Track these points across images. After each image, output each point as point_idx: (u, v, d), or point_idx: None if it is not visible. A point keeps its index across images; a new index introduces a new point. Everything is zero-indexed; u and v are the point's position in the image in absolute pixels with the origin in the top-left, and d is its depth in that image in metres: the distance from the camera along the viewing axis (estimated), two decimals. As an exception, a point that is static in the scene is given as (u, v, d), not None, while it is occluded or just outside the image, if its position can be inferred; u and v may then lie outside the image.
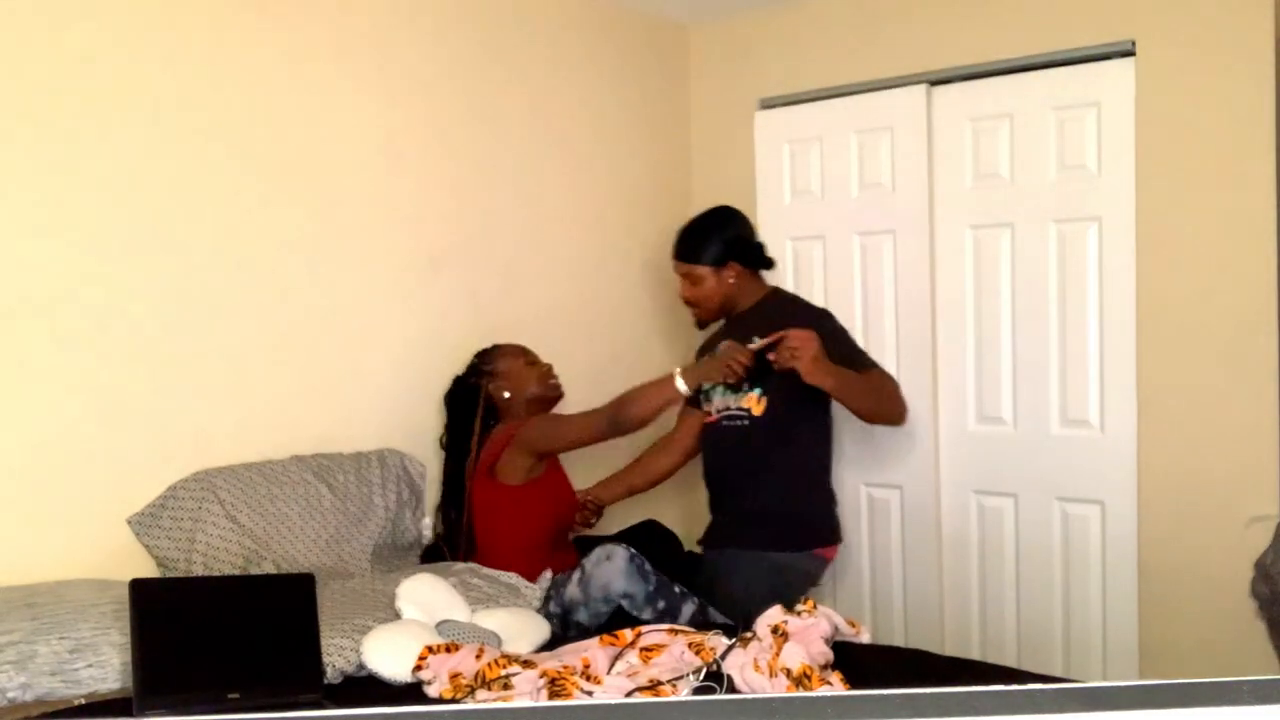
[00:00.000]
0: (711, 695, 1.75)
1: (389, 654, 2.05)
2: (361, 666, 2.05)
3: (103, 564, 2.23)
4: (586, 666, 1.95)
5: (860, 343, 2.97)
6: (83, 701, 1.87)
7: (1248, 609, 2.52)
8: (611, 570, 2.35)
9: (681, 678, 1.89)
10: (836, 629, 2.11)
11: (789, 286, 3.66)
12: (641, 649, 2.03)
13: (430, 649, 2.02)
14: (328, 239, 2.73)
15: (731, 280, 2.82)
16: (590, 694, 1.84)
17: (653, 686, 1.86)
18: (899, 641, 3.32)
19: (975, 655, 3.22)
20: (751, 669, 1.87)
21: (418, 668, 2.00)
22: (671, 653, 2.01)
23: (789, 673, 1.84)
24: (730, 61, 3.78)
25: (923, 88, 3.34)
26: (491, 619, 2.27)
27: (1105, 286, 3.08)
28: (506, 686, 1.87)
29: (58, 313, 2.23)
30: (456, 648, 2.03)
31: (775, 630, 1.97)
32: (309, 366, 2.69)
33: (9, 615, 1.92)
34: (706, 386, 2.84)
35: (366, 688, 2.02)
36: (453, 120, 3.04)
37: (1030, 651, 3.26)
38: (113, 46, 2.32)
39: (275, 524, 2.43)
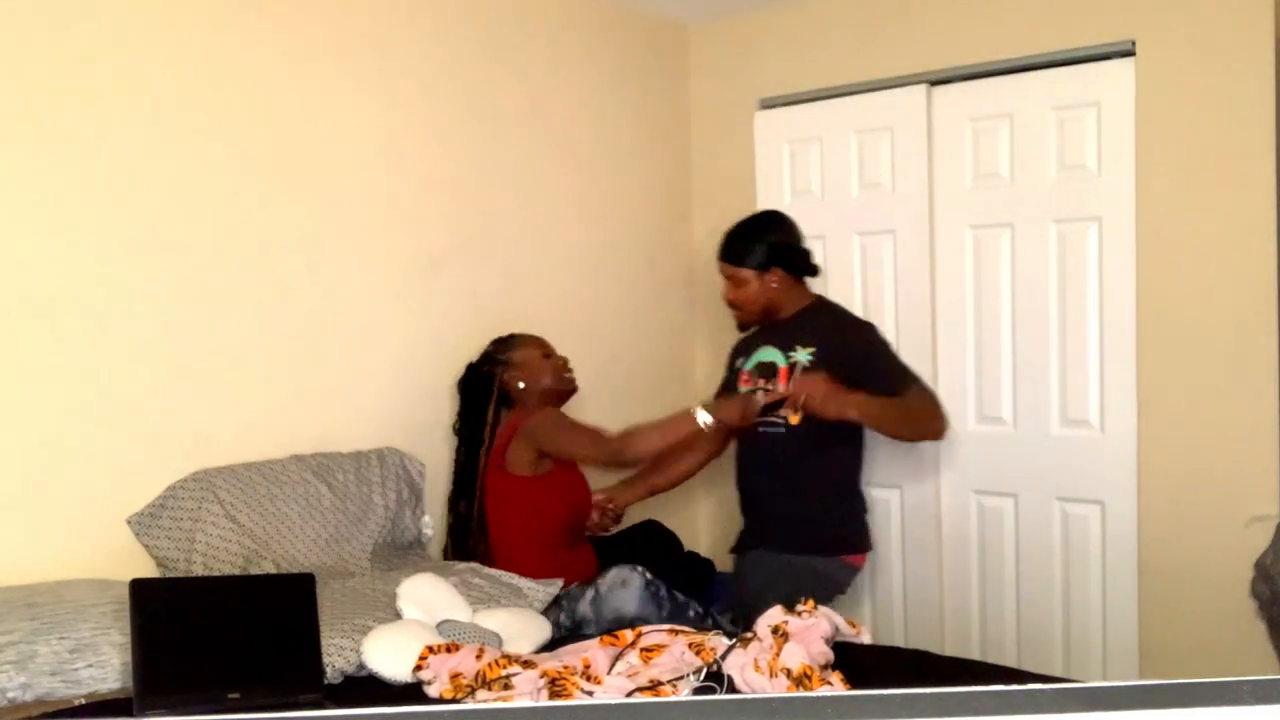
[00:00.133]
0: (712, 695, 1.75)
1: (389, 654, 2.05)
2: (362, 666, 2.04)
3: (103, 564, 2.23)
4: (587, 667, 1.95)
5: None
6: (83, 701, 1.87)
7: (1248, 609, 2.52)
8: (626, 596, 2.35)
9: (682, 678, 1.89)
10: (837, 629, 2.11)
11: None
12: (642, 649, 2.03)
13: (431, 649, 2.02)
14: (328, 239, 2.73)
15: (775, 285, 2.80)
16: (590, 694, 1.84)
17: (653, 686, 1.86)
18: (899, 641, 3.32)
19: (975, 655, 3.22)
20: (752, 669, 1.87)
21: (418, 668, 2.00)
22: (672, 653, 2.01)
23: (789, 673, 1.84)
24: (730, 61, 3.78)
25: (923, 88, 3.34)
26: (492, 619, 2.27)
27: (1105, 286, 3.08)
28: (507, 687, 1.87)
29: (58, 313, 2.23)
30: (457, 648, 2.03)
31: (775, 630, 1.97)
32: (309, 366, 2.69)
33: (9, 615, 1.92)
34: (743, 390, 2.84)
35: (367, 688, 2.02)
36: (453, 120, 3.04)
37: (1030, 651, 3.26)
38: (113, 46, 2.31)
39: (275, 523, 2.43)
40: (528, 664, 1.97)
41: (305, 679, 1.93)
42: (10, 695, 1.81)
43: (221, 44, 2.50)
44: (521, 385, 2.85)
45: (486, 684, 1.89)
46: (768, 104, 3.71)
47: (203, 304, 2.46)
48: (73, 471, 2.25)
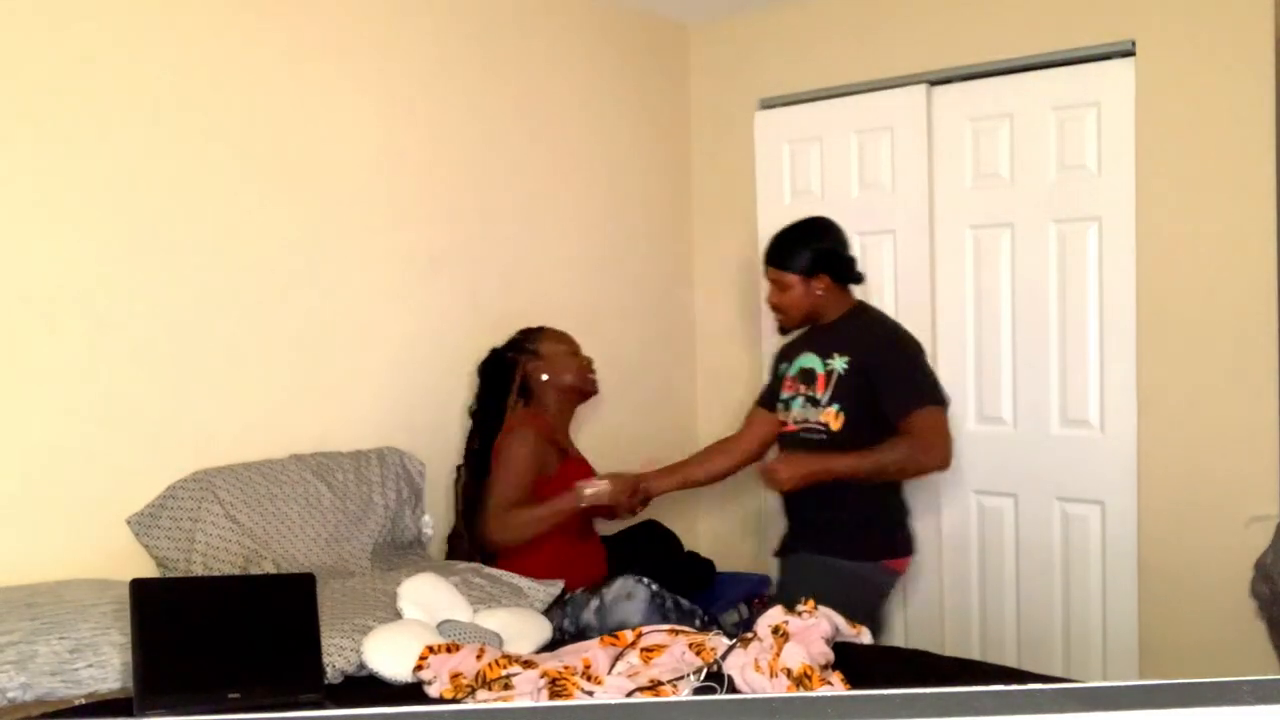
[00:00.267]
0: (712, 695, 1.75)
1: (390, 654, 2.05)
2: (362, 666, 2.04)
3: (103, 564, 2.23)
4: (587, 667, 1.95)
5: None
6: (83, 701, 1.87)
7: (1248, 609, 2.53)
8: (631, 609, 2.35)
9: (682, 678, 1.89)
10: (837, 629, 2.11)
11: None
12: (642, 649, 2.03)
13: (431, 649, 2.02)
14: (328, 239, 2.73)
15: (820, 291, 2.76)
16: (591, 694, 1.84)
17: (653, 687, 1.86)
18: (899, 641, 3.32)
19: (975, 655, 3.22)
20: (752, 669, 1.87)
21: (418, 667, 2.00)
22: (672, 653, 2.01)
23: (789, 673, 1.84)
24: (730, 61, 3.78)
25: (923, 88, 3.34)
26: (493, 619, 2.27)
27: (1105, 286, 3.08)
28: (507, 686, 1.87)
29: (58, 313, 2.23)
30: (457, 648, 2.03)
31: (776, 630, 1.97)
32: (308, 366, 2.69)
33: (9, 615, 1.92)
34: (785, 396, 2.83)
35: (367, 688, 2.02)
36: (452, 120, 3.04)
37: (1030, 651, 3.26)
38: (113, 46, 2.31)
39: (275, 523, 2.43)
40: (528, 664, 1.97)
41: (305, 679, 1.93)
42: (10, 695, 1.81)
43: (221, 44, 2.50)
44: (544, 378, 2.85)
45: (487, 684, 1.89)
46: (768, 104, 3.72)
47: (203, 304, 2.46)
48: (73, 471, 2.25)
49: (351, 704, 1.89)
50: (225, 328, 2.51)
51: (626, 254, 3.63)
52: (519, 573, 2.54)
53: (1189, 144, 2.92)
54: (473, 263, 3.09)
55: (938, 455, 2.65)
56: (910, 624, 3.45)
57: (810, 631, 1.99)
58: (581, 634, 2.37)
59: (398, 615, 2.19)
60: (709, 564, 3.42)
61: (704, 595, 3.20)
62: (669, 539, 3.33)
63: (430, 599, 2.25)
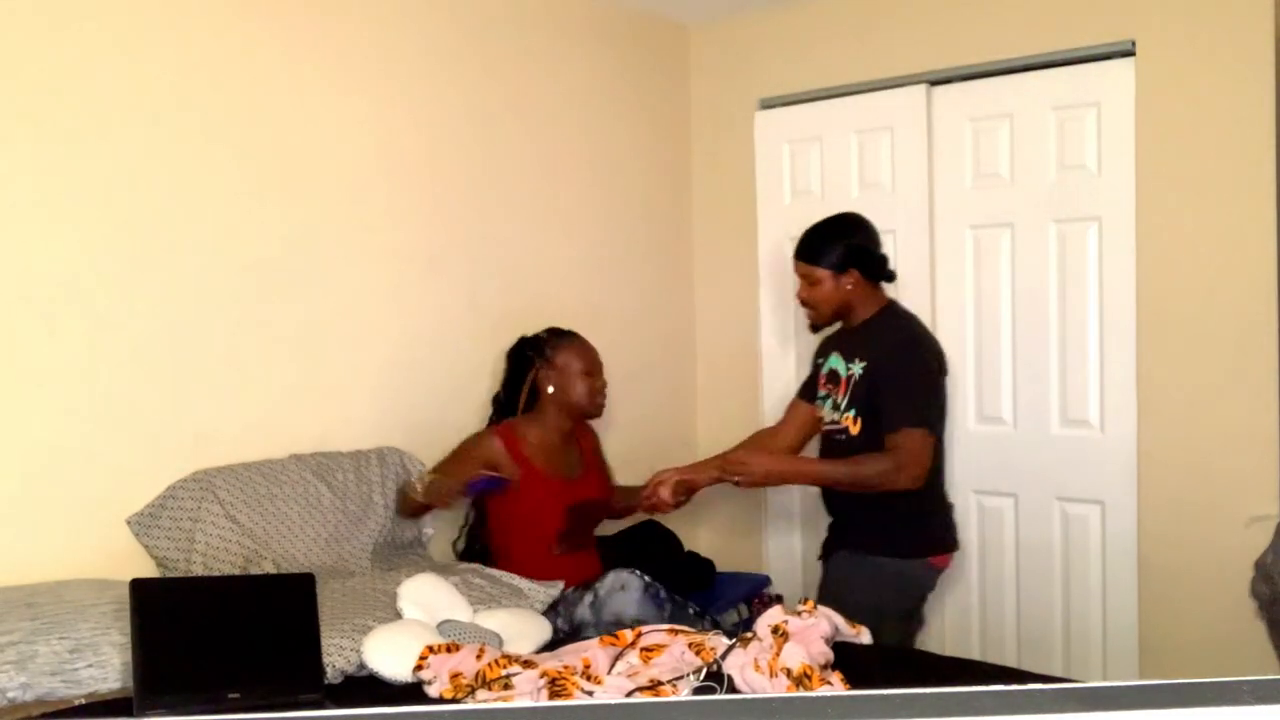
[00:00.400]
0: (712, 695, 1.75)
1: (390, 654, 2.05)
2: (362, 666, 2.04)
3: (103, 564, 2.23)
4: (587, 667, 1.95)
5: None
6: (83, 701, 1.87)
7: (1248, 609, 2.53)
8: (625, 600, 2.35)
9: (682, 678, 1.89)
10: (837, 629, 2.11)
11: (788, 288, 3.66)
12: (642, 649, 2.03)
13: (431, 649, 2.02)
14: (328, 239, 2.73)
15: (850, 287, 2.73)
16: (591, 694, 1.84)
17: (653, 686, 1.86)
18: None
19: (975, 655, 3.22)
20: (752, 669, 1.87)
21: (418, 667, 2.00)
22: (672, 653, 2.01)
23: (789, 673, 1.84)
24: (730, 61, 3.78)
25: (923, 88, 3.34)
26: (493, 619, 2.27)
27: (1105, 286, 3.08)
28: (507, 686, 1.87)
29: (58, 313, 2.23)
30: (457, 648, 2.03)
31: (775, 630, 1.97)
32: (308, 366, 2.69)
33: (9, 615, 1.92)
34: (821, 394, 2.82)
35: (367, 688, 2.02)
36: (452, 120, 3.04)
37: (1030, 651, 3.26)
38: (113, 46, 2.31)
39: (275, 523, 2.43)
40: (528, 664, 1.98)
41: (305, 679, 1.93)
42: (10, 695, 1.81)
43: (221, 45, 2.50)
44: (550, 390, 2.84)
45: (486, 684, 1.89)
46: (768, 104, 3.72)
47: (203, 304, 2.46)
48: (73, 471, 2.25)
49: (351, 704, 1.89)
50: (225, 328, 2.51)
51: (626, 254, 3.63)
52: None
53: (1189, 144, 2.92)
54: (472, 263, 3.09)
55: (908, 477, 2.59)
56: (910, 624, 3.44)
57: (810, 631, 1.99)
58: (577, 630, 2.38)
59: (398, 615, 2.19)
60: (709, 564, 3.42)
61: (704, 595, 3.21)
62: (669, 539, 3.33)
63: (430, 599, 2.25)
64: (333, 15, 2.73)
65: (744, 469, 2.69)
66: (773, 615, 2.03)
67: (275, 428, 2.60)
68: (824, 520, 2.93)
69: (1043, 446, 3.22)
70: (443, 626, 2.19)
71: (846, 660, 2.00)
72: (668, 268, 3.82)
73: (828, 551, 2.85)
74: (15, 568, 2.12)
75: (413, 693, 1.98)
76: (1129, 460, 3.06)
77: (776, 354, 3.74)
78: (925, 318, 3.34)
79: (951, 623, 3.39)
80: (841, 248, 2.74)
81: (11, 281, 2.16)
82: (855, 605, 2.63)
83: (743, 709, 0.62)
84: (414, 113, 2.94)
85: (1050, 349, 3.19)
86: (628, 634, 2.09)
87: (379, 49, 2.85)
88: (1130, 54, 3.00)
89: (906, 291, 3.40)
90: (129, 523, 2.33)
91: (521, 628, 2.27)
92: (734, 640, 2.01)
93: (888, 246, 3.42)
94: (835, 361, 2.79)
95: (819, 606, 2.14)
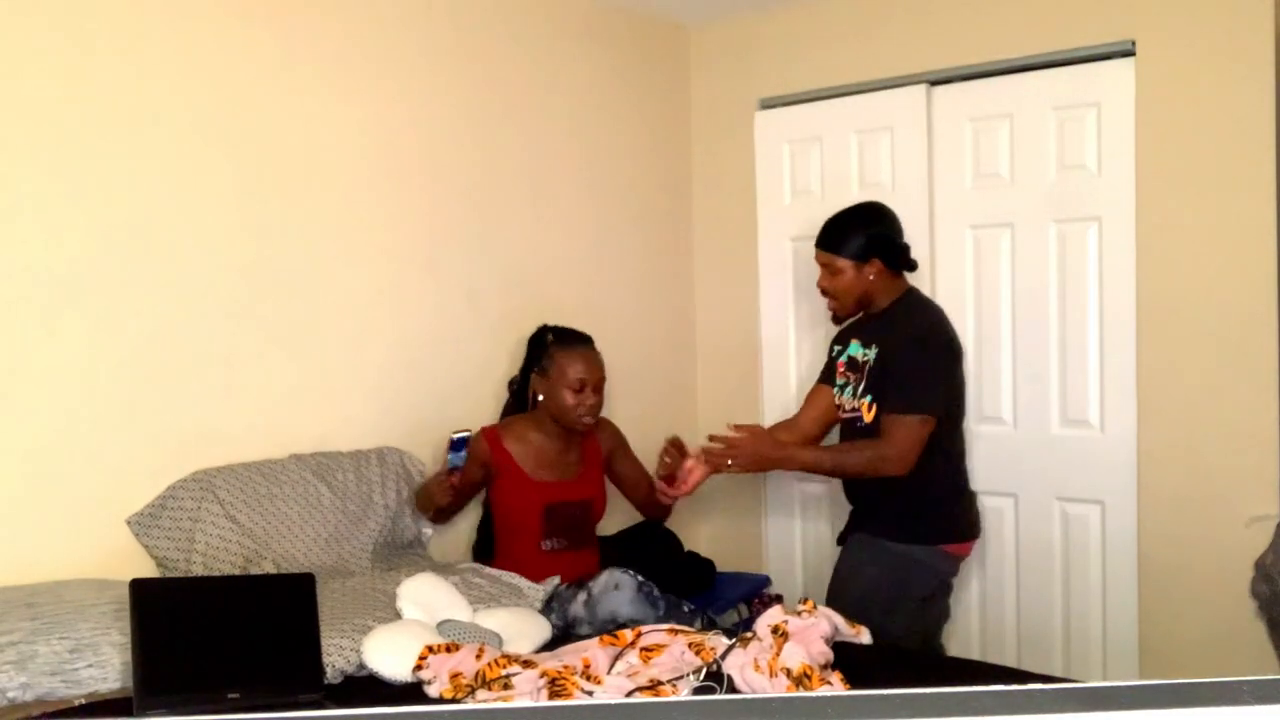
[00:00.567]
0: (711, 695, 1.75)
1: (389, 654, 2.05)
2: (362, 666, 2.05)
3: (103, 564, 2.23)
4: (587, 666, 1.95)
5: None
6: (83, 701, 1.87)
7: (1248, 609, 2.53)
8: (619, 599, 2.35)
9: (682, 678, 1.89)
10: (837, 629, 2.11)
11: (788, 288, 3.67)
12: (642, 649, 2.03)
13: (431, 649, 2.02)
14: (327, 239, 2.73)
15: (871, 277, 2.73)
16: (590, 694, 1.84)
17: (653, 686, 1.86)
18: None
19: (975, 655, 3.22)
20: (752, 669, 1.87)
21: (418, 667, 2.00)
22: (672, 653, 2.01)
23: (789, 673, 1.84)
24: (730, 61, 3.78)
25: (923, 88, 3.34)
26: (493, 619, 2.27)
27: (1105, 286, 3.08)
28: (507, 686, 1.87)
29: (58, 313, 2.23)
30: (457, 647, 2.03)
31: (775, 630, 1.97)
32: (308, 366, 2.69)
33: (9, 615, 1.92)
34: (839, 382, 2.82)
35: (367, 688, 2.02)
36: (452, 121, 3.04)
37: (1030, 651, 3.26)
38: (113, 47, 2.31)
39: (275, 523, 2.43)
40: (528, 664, 1.98)
41: (305, 679, 1.93)
42: (10, 695, 1.81)
43: (221, 45, 2.50)
44: (540, 397, 2.84)
45: (486, 684, 1.89)
46: (768, 104, 3.72)
47: (203, 304, 2.46)
48: (73, 471, 2.25)
49: (351, 704, 1.89)
50: (225, 328, 2.51)
51: (626, 254, 3.63)
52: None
53: (1189, 144, 2.92)
54: (472, 262, 3.09)
55: (895, 464, 2.60)
56: (910, 624, 3.44)
57: (810, 631, 1.99)
58: (570, 627, 2.38)
59: (397, 615, 2.19)
60: (709, 564, 3.42)
61: (704, 595, 3.21)
62: (669, 539, 3.33)
63: (430, 599, 2.25)
64: (332, 16, 2.73)
65: (734, 453, 2.66)
66: (772, 615, 2.03)
67: (275, 428, 2.60)
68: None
69: (1043, 446, 3.22)
70: (442, 626, 2.19)
71: (846, 660, 2.00)
72: (668, 267, 3.82)
73: (845, 537, 2.85)
74: (15, 568, 2.12)
75: (412, 693, 1.98)
76: (1129, 460, 3.07)
77: (777, 354, 3.74)
78: (925, 318, 3.35)
79: (952, 623, 3.38)
80: (864, 237, 2.73)
81: (11, 281, 2.16)
82: (865, 589, 2.63)
83: (742, 709, 0.62)
84: (413, 113, 2.94)
85: (1050, 349, 3.19)
86: (627, 634, 2.09)
87: (378, 49, 2.85)
88: (1130, 54, 3.00)
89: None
90: (129, 523, 2.33)
91: (521, 627, 2.28)
92: (734, 640, 2.01)
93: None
94: (855, 349, 2.79)
95: (819, 606, 2.14)
